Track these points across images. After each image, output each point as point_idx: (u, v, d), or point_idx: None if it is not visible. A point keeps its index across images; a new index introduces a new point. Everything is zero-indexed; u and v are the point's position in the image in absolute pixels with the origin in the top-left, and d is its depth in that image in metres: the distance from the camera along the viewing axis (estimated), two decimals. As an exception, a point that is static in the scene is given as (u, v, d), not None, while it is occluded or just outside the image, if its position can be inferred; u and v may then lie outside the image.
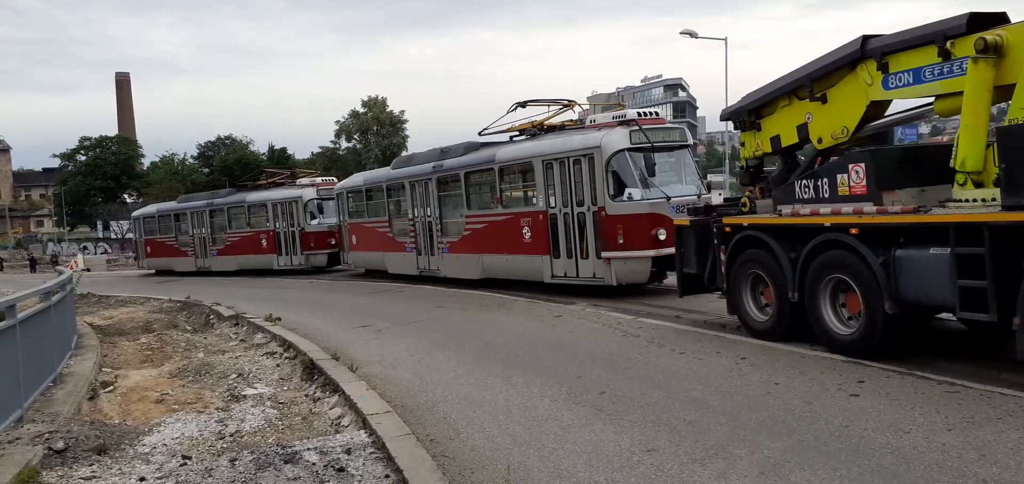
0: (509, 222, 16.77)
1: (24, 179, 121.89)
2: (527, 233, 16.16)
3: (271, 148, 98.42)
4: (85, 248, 76.59)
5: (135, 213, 40.05)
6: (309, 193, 27.91)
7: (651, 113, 15.53)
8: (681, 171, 15.29)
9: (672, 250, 12.44)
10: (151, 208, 38.67)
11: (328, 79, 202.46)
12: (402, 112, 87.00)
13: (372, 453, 6.57)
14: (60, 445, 6.79)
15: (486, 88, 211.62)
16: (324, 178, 30.60)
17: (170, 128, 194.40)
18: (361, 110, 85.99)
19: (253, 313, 16.15)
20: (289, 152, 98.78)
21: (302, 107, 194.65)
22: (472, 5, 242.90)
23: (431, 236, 19.84)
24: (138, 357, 12.95)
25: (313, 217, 27.57)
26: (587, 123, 15.89)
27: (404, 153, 22.45)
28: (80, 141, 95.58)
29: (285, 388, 9.79)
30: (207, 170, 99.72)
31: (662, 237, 13.68)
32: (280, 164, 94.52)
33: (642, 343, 10.26)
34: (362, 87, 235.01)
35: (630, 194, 14.13)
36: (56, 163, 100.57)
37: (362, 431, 7.25)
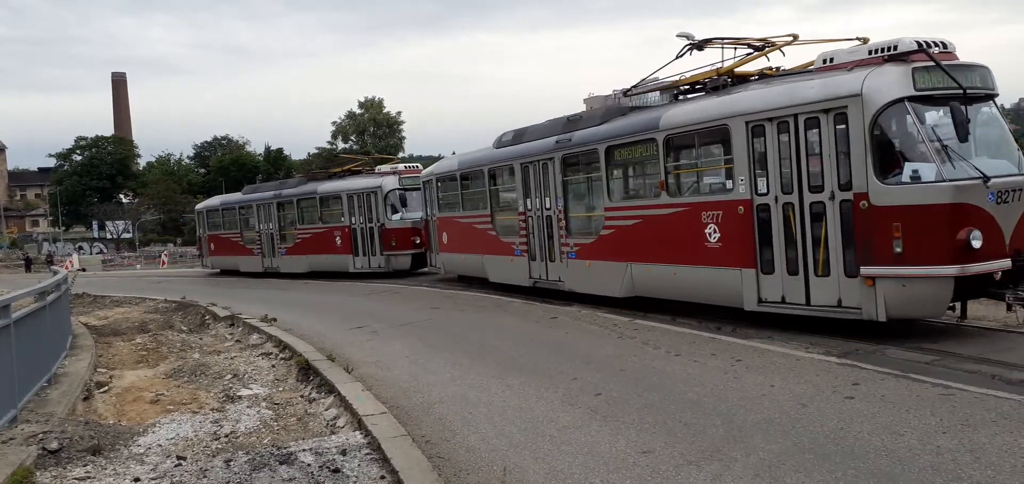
0: (681, 218, 11.75)
1: (19, 178, 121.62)
2: (713, 234, 11.10)
3: (267, 149, 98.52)
4: (81, 248, 76.42)
5: (198, 206, 36.26)
6: (390, 182, 23.55)
7: (936, 44, 9.47)
8: (988, 135, 9.83)
9: (991, 265, 8.74)
10: (215, 200, 35.17)
11: (325, 79, 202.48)
12: (399, 113, 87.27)
13: (368, 454, 6.56)
14: (54, 445, 6.78)
15: (484, 89, 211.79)
16: (408, 165, 25.79)
17: (166, 128, 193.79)
18: (358, 111, 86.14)
19: (249, 314, 16.13)
20: (285, 153, 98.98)
21: (299, 108, 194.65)
22: (470, 6, 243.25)
23: (551, 236, 15.17)
24: (133, 357, 12.93)
25: (395, 211, 23.26)
26: (820, 63, 10.42)
27: (511, 130, 17.12)
28: (76, 141, 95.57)
29: (280, 389, 9.78)
30: (203, 170, 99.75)
31: (976, 243, 8.65)
32: (276, 165, 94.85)
33: (637, 345, 10.27)
34: (359, 88, 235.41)
35: (915, 172, 8.98)
36: (52, 163, 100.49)
37: (357, 432, 7.24)
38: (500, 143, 17.32)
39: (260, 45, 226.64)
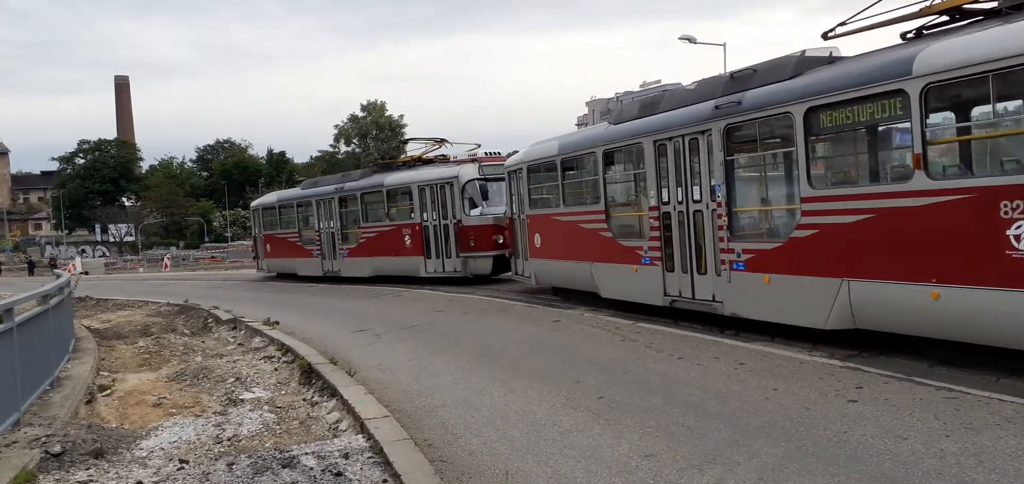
0: (954, 210, 7.74)
1: (22, 182, 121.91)
2: None
3: (270, 152, 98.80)
4: (83, 251, 76.59)
5: (253, 203, 33.00)
6: (468, 171, 20.33)
7: None
8: None
9: None
10: (271, 196, 32.04)
11: (327, 82, 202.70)
12: (401, 116, 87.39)
13: (370, 457, 6.56)
14: (57, 449, 6.79)
15: (485, 92, 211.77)
16: (490, 152, 22.26)
17: (169, 131, 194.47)
18: (360, 114, 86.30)
19: (252, 317, 16.14)
20: (288, 156, 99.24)
21: (301, 111, 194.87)
22: (470, 9, 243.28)
23: (700, 238, 11.27)
24: (136, 361, 12.94)
25: (473, 205, 20.07)
26: None
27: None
28: (79, 144, 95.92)
29: (283, 392, 9.79)
30: (206, 173, 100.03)
31: None
32: (279, 168, 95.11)
33: (640, 348, 10.25)
34: (361, 90, 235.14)
35: None
36: (54, 166, 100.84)
37: (360, 436, 7.24)
38: (620, 117, 13.68)
39: (262, 48, 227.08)
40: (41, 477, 6.29)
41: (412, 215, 21.52)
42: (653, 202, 12.21)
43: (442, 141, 23.52)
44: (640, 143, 12.41)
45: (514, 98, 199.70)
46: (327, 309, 18.06)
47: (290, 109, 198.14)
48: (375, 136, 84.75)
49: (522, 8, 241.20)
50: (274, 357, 12.07)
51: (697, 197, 11.31)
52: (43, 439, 7.02)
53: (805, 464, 5.65)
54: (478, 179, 20.15)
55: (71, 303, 14.67)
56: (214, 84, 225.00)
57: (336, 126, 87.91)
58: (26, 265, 63.97)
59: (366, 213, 23.72)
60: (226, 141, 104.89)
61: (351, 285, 23.01)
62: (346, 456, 6.62)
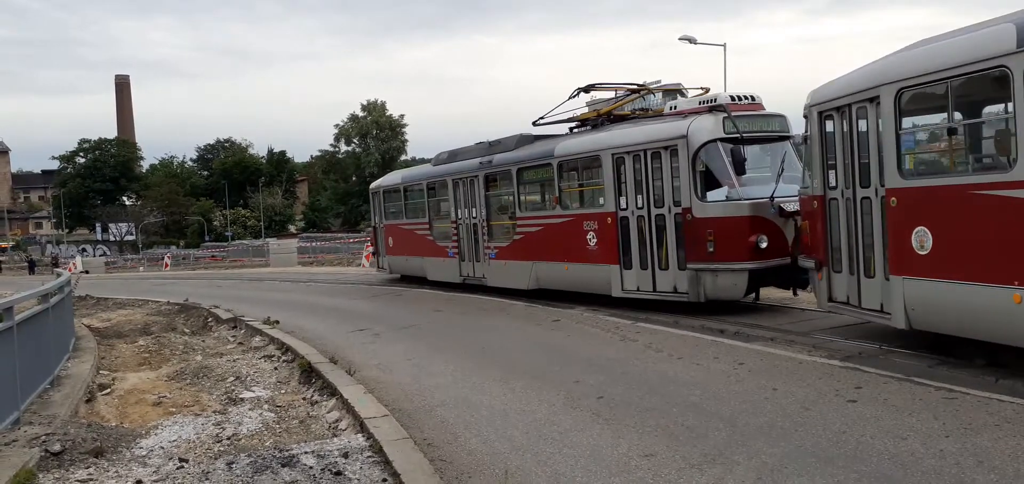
0: None
1: (23, 181, 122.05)
2: None
3: (270, 151, 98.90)
4: (83, 250, 76.64)
5: (373, 185, 25.04)
6: (705, 127, 12.22)
7: None
8: None
9: None
10: (395, 176, 24.57)
11: (327, 82, 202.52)
12: (401, 116, 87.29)
13: (369, 456, 6.56)
14: (57, 447, 6.79)
15: (485, 92, 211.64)
16: (738, 96, 12.86)
17: (169, 131, 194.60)
18: (360, 114, 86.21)
19: (252, 316, 16.15)
20: (289, 155, 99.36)
21: (301, 110, 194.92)
22: (471, 9, 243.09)
23: None
24: (136, 360, 12.95)
25: (712, 184, 12.22)
26: None
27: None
28: (79, 143, 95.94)
29: (283, 391, 9.79)
30: (206, 173, 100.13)
31: None
32: (279, 167, 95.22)
33: (640, 348, 10.26)
34: (361, 90, 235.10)
35: None
36: (55, 165, 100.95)
37: (359, 435, 7.25)
38: None
39: (262, 48, 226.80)
40: (41, 475, 6.29)
41: (600, 201, 14.06)
42: None
43: (641, 88, 15.31)
44: None
45: (514, 99, 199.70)
46: (326, 308, 18.06)
47: (290, 108, 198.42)
48: (375, 135, 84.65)
49: (523, 9, 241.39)
50: (274, 356, 12.08)
51: None
52: (43, 437, 7.02)
53: (804, 464, 5.65)
54: (724, 139, 12.10)
55: (71, 302, 14.68)
56: (214, 84, 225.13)
57: (336, 125, 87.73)
58: (26, 264, 64.07)
59: (523, 199, 16.58)
60: (226, 140, 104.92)
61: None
62: (346, 455, 6.62)
